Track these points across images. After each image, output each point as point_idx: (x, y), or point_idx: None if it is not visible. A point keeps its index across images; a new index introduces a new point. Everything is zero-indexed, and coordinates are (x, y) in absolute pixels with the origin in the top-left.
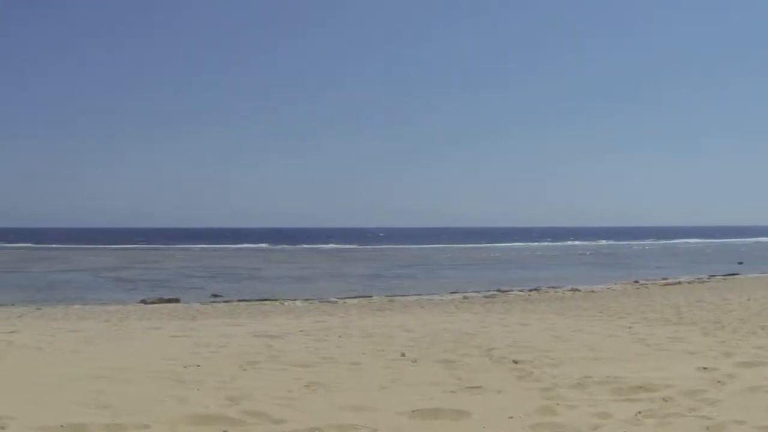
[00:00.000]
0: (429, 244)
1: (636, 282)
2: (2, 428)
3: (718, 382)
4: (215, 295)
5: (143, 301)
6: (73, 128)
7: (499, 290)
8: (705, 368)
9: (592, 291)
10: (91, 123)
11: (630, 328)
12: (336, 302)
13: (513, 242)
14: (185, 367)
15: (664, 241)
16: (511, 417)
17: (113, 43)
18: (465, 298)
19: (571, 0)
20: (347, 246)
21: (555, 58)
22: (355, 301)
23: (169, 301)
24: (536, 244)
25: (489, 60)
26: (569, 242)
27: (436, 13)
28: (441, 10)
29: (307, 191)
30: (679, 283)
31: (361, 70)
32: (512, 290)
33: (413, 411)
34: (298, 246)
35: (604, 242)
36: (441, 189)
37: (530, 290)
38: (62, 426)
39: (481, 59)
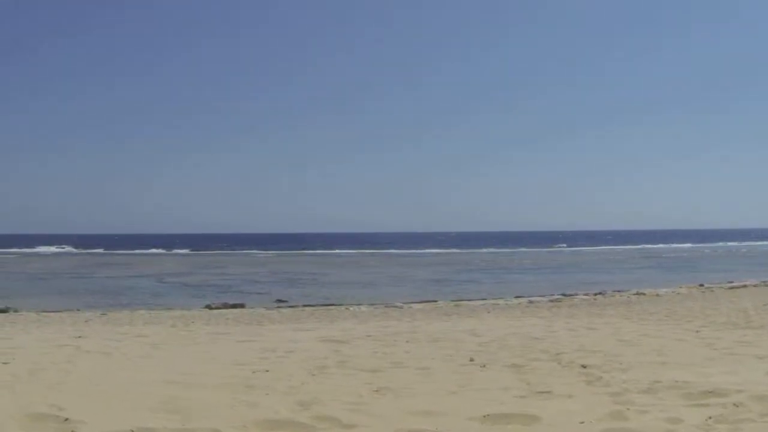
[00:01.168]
0: (492, 248)
1: (701, 285)
2: None
3: None
4: (280, 300)
5: (208, 306)
6: (131, 135)
7: (564, 294)
8: None
9: (658, 295)
10: (154, 128)
11: (697, 332)
12: (401, 307)
13: (577, 246)
14: (254, 372)
15: (731, 244)
16: (582, 422)
17: (192, 43)
18: (530, 302)
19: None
20: (409, 251)
21: (633, 55)
22: (420, 305)
23: (234, 306)
24: (600, 247)
25: (558, 61)
26: (633, 246)
27: (513, 9)
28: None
29: (368, 196)
30: (745, 286)
31: (432, 70)
32: (577, 294)
33: (484, 416)
34: (360, 251)
35: (663, 245)
36: (508, 192)
37: (595, 294)
38: (132, 430)
39: (553, 59)
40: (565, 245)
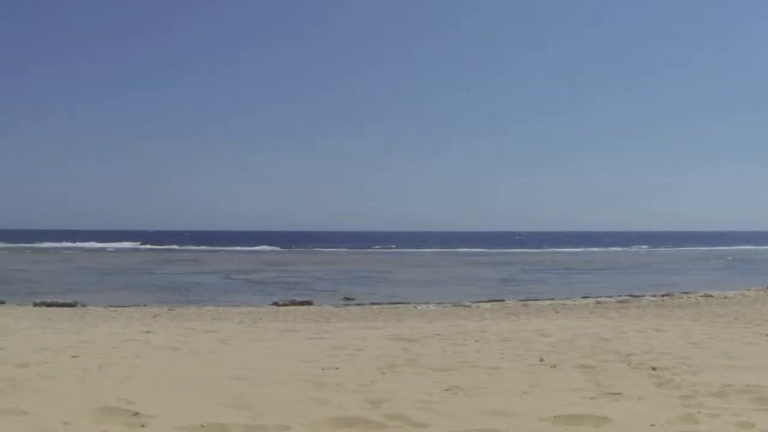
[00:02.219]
0: (562, 248)
1: None
2: (143, 426)
3: None
4: (347, 298)
5: (275, 303)
6: (196, 134)
7: (631, 295)
8: None
9: (726, 297)
10: (220, 127)
11: (767, 335)
12: (469, 306)
13: (641, 246)
14: (324, 369)
15: None
16: (653, 424)
17: (265, 42)
18: (598, 303)
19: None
20: (478, 250)
21: (693, 55)
22: (488, 305)
23: (302, 303)
24: (663, 249)
25: (611, 63)
26: (698, 247)
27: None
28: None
29: (443, 194)
30: None
31: (506, 69)
32: (644, 295)
33: (555, 417)
34: (427, 250)
35: (724, 248)
36: (573, 192)
37: (663, 295)
38: (203, 426)
39: (616, 58)
40: (646, 246)
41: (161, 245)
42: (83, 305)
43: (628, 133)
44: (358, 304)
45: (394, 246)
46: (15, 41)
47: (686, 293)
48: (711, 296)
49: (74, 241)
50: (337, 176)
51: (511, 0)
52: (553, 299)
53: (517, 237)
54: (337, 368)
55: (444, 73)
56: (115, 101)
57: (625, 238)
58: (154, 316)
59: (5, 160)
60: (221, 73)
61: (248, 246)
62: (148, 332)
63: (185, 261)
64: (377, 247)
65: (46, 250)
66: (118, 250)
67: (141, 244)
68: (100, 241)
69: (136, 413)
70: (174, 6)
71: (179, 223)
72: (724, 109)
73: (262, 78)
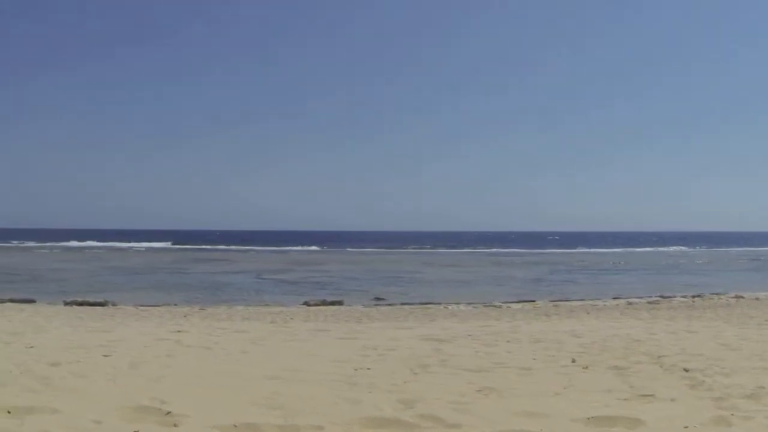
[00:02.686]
0: (594, 248)
1: None
2: (176, 425)
3: None
4: (378, 298)
5: (306, 303)
6: (228, 134)
7: (662, 296)
8: None
9: (757, 298)
10: (257, 127)
11: None
12: (500, 306)
13: (671, 246)
14: (356, 369)
15: None
16: (686, 427)
17: (289, 43)
18: (629, 303)
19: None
20: (511, 250)
21: (730, 48)
22: (519, 305)
23: (333, 303)
24: (694, 249)
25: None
26: (730, 248)
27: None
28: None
29: (481, 194)
30: None
31: (538, 67)
32: (675, 296)
33: (588, 418)
34: (459, 250)
35: (756, 249)
36: (603, 192)
37: (693, 296)
38: (236, 425)
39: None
40: (683, 247)
41: (191, 245)
42: (114, 304)
43: (664, 132)
44: (389, 305)
45: (428, 246)
46: (42, 42)
47: (717, 294)
48: (742, 297)
49: (104, 240)
50: (369, 176)
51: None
52: (583, 300)
53: (551, 237)
54: (369, 368)
55: (478, 70)
56: (145, 101)
57: (661, 238)
58: (185, 316)
59: (36, 161)
60: (249, 72)
61: (279, 246)
62: (179, 332)
63: (215, 260)
64: (411, 247)
65: (76, 249)
66: (148, 250)
67: (172, 244)
68: (130, 241)
69: (169, 412)
70: (197, 6)
71: (210, 222)
72: (756, 110)
73: (290, 77)
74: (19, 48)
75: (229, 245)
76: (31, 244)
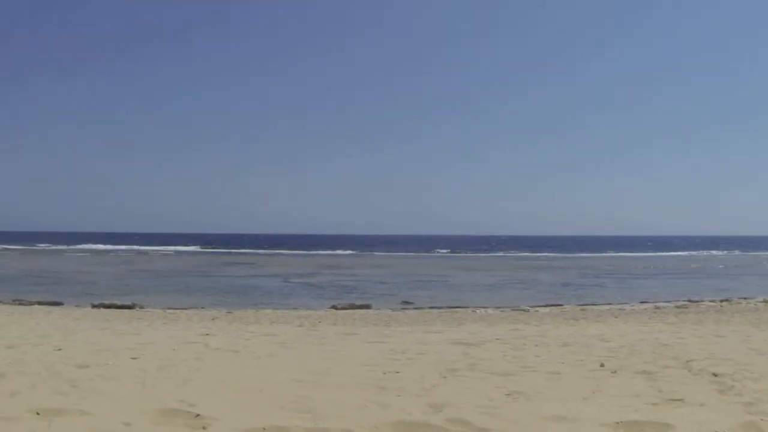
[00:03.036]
0: (613, 252)
1: None
2: (204, 428)
3: None
4: (406, 302)
5: (334, 307)
6: (263, 133)
7: (689, 300)
8: None
9: None
10: (289, 126)
11: None
12: (528, 310)
13: (701, 250)
14: (385, 373)
15: None
16: None
17: (326, 48)
18: (657, 308)
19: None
20: (538, 254)
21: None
22: (546, 309)
23: (361, 306)
24: (723, 253)
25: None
26: (762, 252)
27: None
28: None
29: (510, 198)
30: None
31: (570, 69)
32: (703, 300)
33: (617, 423)
34: (487, 254)
35: None
36: (629, 196)
37: (721, 301)
38: (264, 429)
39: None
40: (715, 251)
41: (219, 248)
42: (141, 307)
43: (695, 135)
44: (417, 308)
45: (456, 250)
46: (76, 44)
47: (745, 299)
48: None
49: (131, 243)
50: (402, 179)
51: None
52: (611, 304)
53: (578, 240)
54: (398, 372)
55: (503, 74)
56: (176, 104)
57: (690, 242)
58: (213, 319)
59: (66, 165)
60: (283, 77)
61: (308, 250)
62: (207, 335)
63: (243, 264)
64: (440, 250)
65: (102, 252)
66: (175, 253)
67: (200, 247)
68: (157, 244)
69: (198, 415)
70: (236, 6)
71: (238, 226)
72: None
73: (322, 84)
74: (46, 52)
75: (256, 249)
76: (61, 247)
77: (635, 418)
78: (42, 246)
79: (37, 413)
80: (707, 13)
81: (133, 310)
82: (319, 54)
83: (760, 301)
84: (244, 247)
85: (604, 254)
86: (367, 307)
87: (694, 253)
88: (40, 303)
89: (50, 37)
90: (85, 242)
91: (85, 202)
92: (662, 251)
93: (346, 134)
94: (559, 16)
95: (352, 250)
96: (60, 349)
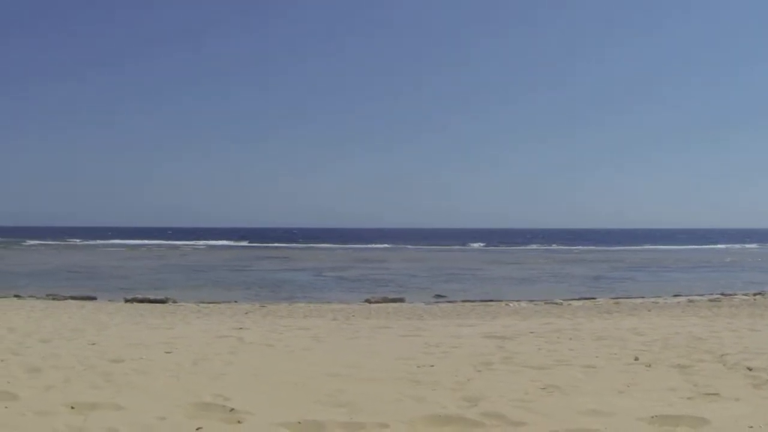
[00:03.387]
0: (649, 245)
1: None
2: (239, 422)
3: None
4: (439, 296)
5: (368, 301)
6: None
7: (723, 294)
8: None
9: None
10: (318, 127)
11: None
12: (561, 303)
13: (737, 243)
14: (419, 366)
15: None
16: (751, 426)
17: (348, 44)
18: (690, 301)
19: None
20: (571, 247)
21: None
22: (579, 302)
23: (394, 300)
24: (760, 246)
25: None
26: None
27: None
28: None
29: (545, 191)
30: None
31: (605, 58)
32: (736, 294)
33: (652, 417)
34: (519, 247)
35: None
36: (657, 189)
37: (755, 294)
38: (300, 423)
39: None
40: (755, 244)
41: (252, 243)
42: (174, 301)
43: (734, 126)
44: (450, 302)
45: (486, 243)
46: (114, 40)
47: None
48: None
49: (164, 238)
50: (420, 174)
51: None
52: (644, 297)
53: (612, 234)
54: (432, 366)
55: (533, 66)
56: (212, 100)
57: (725, 235)
58: (246, 313)
59: (96, 161)
60: (311, 72)
61: (339, 243)
62: (240, 329)
63: (276, 258)
64: (474, 244)
65: (134, 246)
66: (209, 248)
67: (234, 242)
68: (192, 239)
69: (232, 409)
70: (259, 6)
71: (271, 220)
72: None
73: (341, 79)
74: (79, 48)
75: (289, 243)
76: (93, 242)
77: (670, 412)
78: (74, 241)
79: (72, 407)
80: (730, 12)
81: (166, 305)
82: (330, 55)
83: None
84: (277, 242)
85: (638, 247)
86: (401, 300)
87: (730, 246)
88: (73, 298)
89: (77, 33)
90: (117, 237)
91: (116, 198)
92: (698, 244)
93: (379, 128)
94: (587, 8)
95: (385, 243)
96: (94, 344)
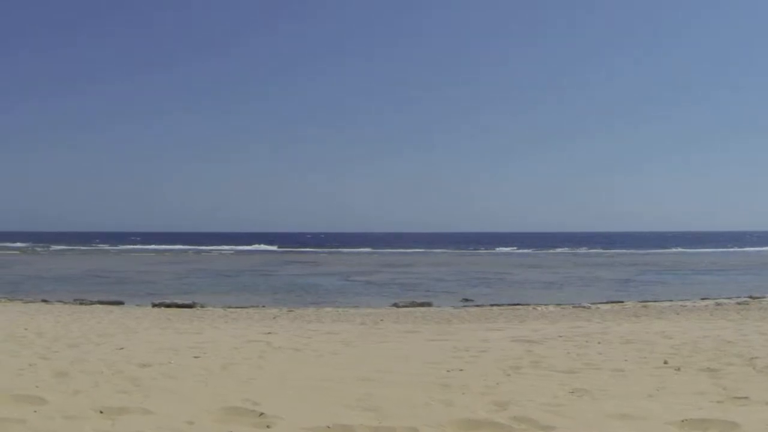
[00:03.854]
0: (680, 248)
1: None
2: (269, 427)
3: None
4: (466, 299)
5: (395, 305)
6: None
7: (751, 296)
8: None
9: None
10: (354, 127)
11: None
12: (589, 307)
13: (758, 247)
14: (448, 371)
15: None
16: None
17: (380, 43)
18: (718, 304)
19: None
20: (596, 250)
21: None
22: (608, 306)
23: (422, 304)
24: None
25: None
26: None
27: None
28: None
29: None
30: None
31: (644, 58)
32: (765, 296)
33: (682, 421)
34: (545, 251)
35: None
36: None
37: None
38: (329, 427)
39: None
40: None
41: (279, 247)
42: (202, 306)
43: (762, 130)
44: (478, 305)
45: (513, 247)
46: (135, 44)
47: None
48: None
49: (190, 243)
50: (464, 177)
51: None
52: (672, 300)
53: (643, 237)
54: (461, 370)
55: (566, 70)
56: (245, 103)
57: (756, 238)
58: (274, 317)
59: (124, 165)
60: (348, 73)
61: (366, 248)
62: (269, 333)
63: (303, 263)
64: (502, 248)
65: (162, 251)
66: (236, 252)
67: (261, 246)
68: (219, 244)
69: (262, 414)
70: (294, 8)
71: (302, 225)
72: None
73: (369, 81)
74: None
75: (316, 248)
76: (121, 246)
77: (700, 416)
78: (102, 246)
79: (101, 412)
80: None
81: (194, 309)
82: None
83: None
84: (304, 246)
85: (666, 250)
86: (429, 304)
87: (761, 249)
88: (101, 302)
89: (115, 35)
90: (144, 242)
91: (144, 202)
92: (727, 247)
93: (410, 133)
94: (613, 12)
95: (412, 248)
96: (122, 348)
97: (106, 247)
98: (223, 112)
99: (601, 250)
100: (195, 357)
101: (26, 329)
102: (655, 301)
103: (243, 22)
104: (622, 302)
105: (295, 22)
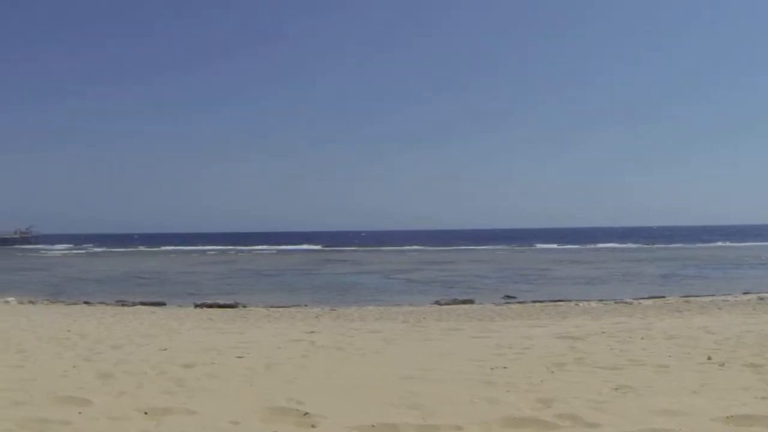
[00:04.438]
0: (721, 242)
1: None
2: (314, 426)
3: None
4: (508, 296)
5: (438, 302)
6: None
7: None
8: None
9: None
10: (378, 127)
11: None
12: (631, 303)
13: None
14: (492, 368)
15: None
16: None
17: (402, 43)
18: (760, 298)
19: None
20: (635, 245)
21: None
22: (650, 301)
23: (464, 302)
24: None
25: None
26: None
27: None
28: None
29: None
30: None
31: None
32: None
33: (727, 417)
34: (584, 246)
35: None
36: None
37: None
38: (374, 426)
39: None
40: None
41: (321, 246)
42: (244, 306)
43: None
44: (520, 302)
45: (553, 243)
46: (166, 44)
47: None
48: None
49: (232, 243)
50: (496, 173)
51: None
52: (714, 295)
53: (686, 231)
54: (505, 367)
55: (595, 63)
56: (290, 100)
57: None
58: (317, 317)
59: (168, 166)
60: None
61: (407, 246)
62: (312, 332)
63: (344, 261)
64: (540, 244)
65: (203, 252)
66: (277, 252)
67: (302, 246)
68: (260, 243)
69: (306, 413)
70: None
71: (346, 224)
72: None
73: (397, 79)
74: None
75: (357, 246)
76: (163, 248)
77: (745, 412)
78: (141, 248)
79: (145, 413)
80: None
81: (236, 309)
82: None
83: None
84: (345, 245)
85: (708, 244)
86: (471, 302)
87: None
88: (143, 303)
89: (142, 38)
90: (185, 243)
91: (185, 203)
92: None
93: (452, 126)
94: (631, 10)
95: (452, 245)
96: (165, 349)
97: (145, 248)
98: (264, 112)
99: (642, 246)
100: (238, 357)
101: (69, 331)
102: (697, 296)
103: (289, 14)
104: (664, 297)
105: (338, 18)
